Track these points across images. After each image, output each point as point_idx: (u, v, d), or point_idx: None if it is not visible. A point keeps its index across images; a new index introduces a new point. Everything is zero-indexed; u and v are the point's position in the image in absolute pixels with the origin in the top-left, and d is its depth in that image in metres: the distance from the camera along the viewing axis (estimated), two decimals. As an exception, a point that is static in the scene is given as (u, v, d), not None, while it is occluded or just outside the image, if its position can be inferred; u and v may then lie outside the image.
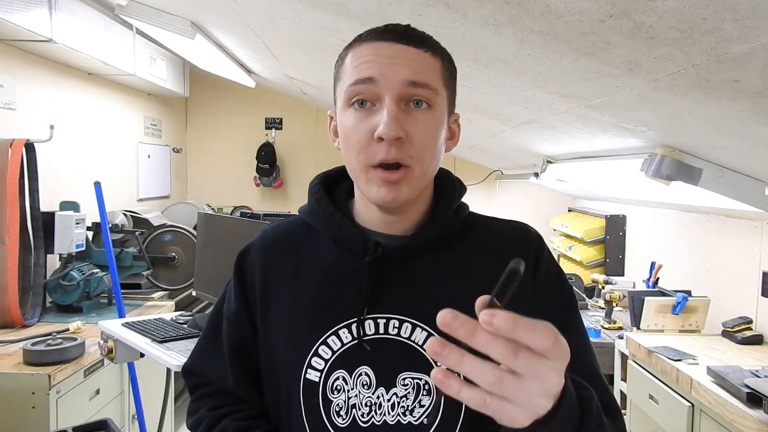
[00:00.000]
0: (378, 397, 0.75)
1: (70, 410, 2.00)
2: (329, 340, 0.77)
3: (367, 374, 0.76)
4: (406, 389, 0.75)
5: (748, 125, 1.24)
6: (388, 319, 0.77)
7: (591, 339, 2.89)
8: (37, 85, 2.81)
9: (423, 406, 0.75)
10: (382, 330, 0.77)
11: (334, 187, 0.87)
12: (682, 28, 0.86)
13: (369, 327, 0.77)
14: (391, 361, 0.76)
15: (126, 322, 2.06)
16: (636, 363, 2.29)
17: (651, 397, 2.14)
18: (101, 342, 2.00)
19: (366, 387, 0.76)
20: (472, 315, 0.74)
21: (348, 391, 0.76)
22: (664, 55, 1.00)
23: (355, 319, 0.76)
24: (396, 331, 0.76)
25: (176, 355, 1.73)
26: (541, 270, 0.81)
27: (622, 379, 2.51)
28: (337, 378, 0.76)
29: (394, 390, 0.75)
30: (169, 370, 2.39)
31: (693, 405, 1.87)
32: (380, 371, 0.76)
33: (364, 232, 0.81)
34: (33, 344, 1.99)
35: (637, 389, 2.30)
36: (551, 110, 1.84)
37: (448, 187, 0.84)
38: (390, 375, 0.75)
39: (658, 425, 2.10)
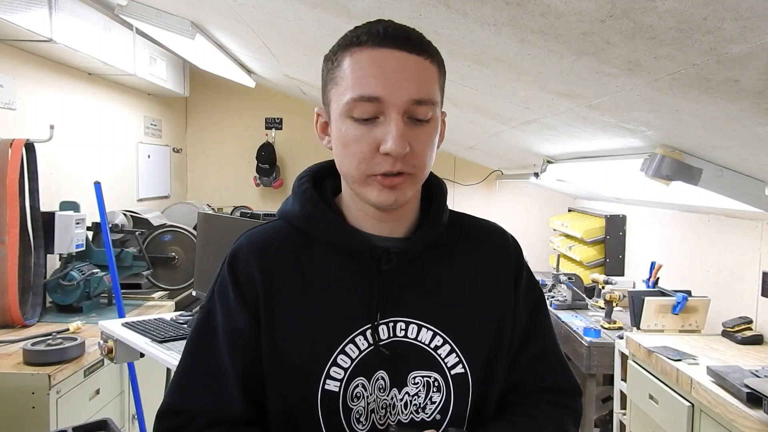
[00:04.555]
0: (392, 398, 0.77)
1: (70, 410, 2.00)
2: (347, 349, 0.77)
3: (383, 378, 0.78)
4: (417, 387, 0.77)
5: (748, 125, 1.24)
6: (396, 322, 0.79)
7: (591, 339, 2.89)
8: (37, 85, 2.80)
9: (434, 402, 0.78)
10: (392, 333, 0.79)
11: (319, 184, 0.85)
12: (682, 28, 0.86)
13: (382, 332, 0.78)
14: (403, 362, 0.78)
15: (126, 322, 2.06)
16: (636, 363, 2.29)
17: (651, 397, 2.14)
18: (101, 342, 2.00)
19: (382, 390, 0.77)
20: (472, 309, 0.82)
21: (367, 397, 0.77)
22: (664, 55, 1.00)
23: (370, 325, 0.77)
24: (403, 333, 0.79)
25: (176, 355, 1.73)
26: (521, 280, 0.88)
27: (622, 379, 2.51)
28: (357, 385, 0.77)
29: (405, 389, 0.77)
30: (169, 370, 2.39)
31: (693, 405, 1.87)
32: (394, 373, 0.78)
33: (369, 239, 0.80)
34: (33, 344, 1.99)
35: (637, 389, 2.30)
36: (551, 110, 1.84)
37: (437, 189, 0.87)
38: (402, 375, 0.78)
39: (658, 425, 2.10)
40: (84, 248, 2.73)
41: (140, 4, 2.42)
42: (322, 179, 0.86)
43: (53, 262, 2.72)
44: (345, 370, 0.77)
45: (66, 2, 2.48)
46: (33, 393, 1.87)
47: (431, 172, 0.86)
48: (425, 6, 1.22)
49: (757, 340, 2.20)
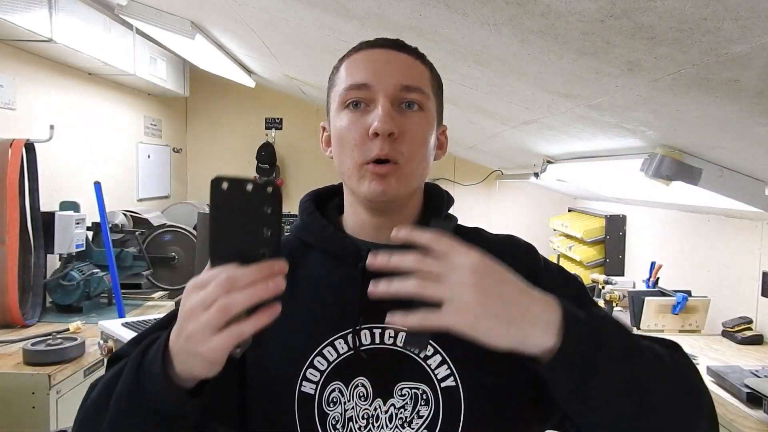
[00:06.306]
0: (375, 409, 0.74)
1: (70, 410, 2.00)
2: (325, 351, 0.76)
3: (363, 385, 0.74)
4: (403, 399, 0.74)
5: (748, 125, 1.24)
6: (384, 329, 0.76)
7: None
8: (37, 85, 2.80)
9: (422, 417, 0.74)
10: (378, 340, 0.76)
11: (324, 204, 0.88)
12: (682, 28, 0.86)
13: (365, 337, 0.76)
14: (388, 371, 0.75)
15: (126, 322, 2.06)
16: (636, 363, 2.29)
17: (651, 397, 2.14)
18: (101, 342, 2.00)
19: (363, 399, 0.74)
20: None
21: (344, 403, 0.74)
22: (664, 55, 1.00)
23: (351, 329, 0.75)
24: (392, 340, 0.76)
25: (176, 355, 1.73)
26: (542, 282, 0.80)
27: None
28: (333, 390, 0.75)
29: (391, 401, 0.74)
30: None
31: (693, 405, 1.87)
32: (377, 382, 0.75)
33: (356, 242, 0.82)
34: (33, 344, 1.99)
35: (637, 389, 2.30)
36: (551, 110, 1.84)
37: (436, 198, 0.88)
38: (387, 385, 0.74)
39: (658, 425, 2.09)
40: (84, 248, 2.73)
41: (140, 4, 2.42)
42: (328, 200, 0.89)
43: (53, 262, 2.72)
44: (321, 372, 0.75)
45: (66, 2, 2.48)
46: (33, 393, 1.87)
47: (435, 185, 0.88)
48: (425, 6, 1.22)
49: (757, 340, 2.20)
